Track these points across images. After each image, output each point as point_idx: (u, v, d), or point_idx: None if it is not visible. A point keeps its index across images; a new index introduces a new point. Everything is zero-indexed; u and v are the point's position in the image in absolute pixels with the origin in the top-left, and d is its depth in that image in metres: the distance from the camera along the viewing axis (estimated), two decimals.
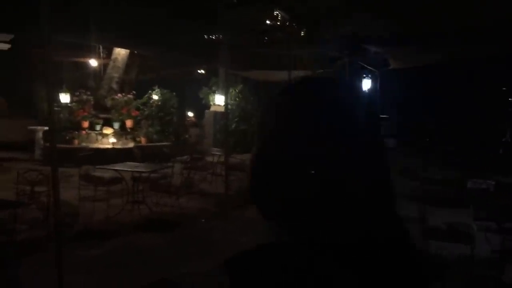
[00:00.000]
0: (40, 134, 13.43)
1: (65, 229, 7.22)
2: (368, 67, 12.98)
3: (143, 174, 7.59)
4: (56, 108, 14.09)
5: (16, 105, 15.59)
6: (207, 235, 7.12)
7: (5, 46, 11.85)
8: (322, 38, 10.61)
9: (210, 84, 16.98)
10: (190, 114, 19.65)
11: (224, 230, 7.03)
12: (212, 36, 11.20)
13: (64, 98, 14.05)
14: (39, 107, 15.74)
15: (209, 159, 11.24)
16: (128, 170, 7.60)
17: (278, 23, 10.15)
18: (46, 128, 13.53)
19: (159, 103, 14.50)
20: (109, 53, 15.79)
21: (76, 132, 13.28)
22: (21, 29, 11.68)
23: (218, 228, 7.35)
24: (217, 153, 11.21)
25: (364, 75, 12.84)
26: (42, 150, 13.22)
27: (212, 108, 16.49)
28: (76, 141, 13.11)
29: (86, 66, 17.81)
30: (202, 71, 20.76)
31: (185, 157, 10.84)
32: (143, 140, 13.71)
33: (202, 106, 17.32)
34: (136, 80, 18.47)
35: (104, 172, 7.98)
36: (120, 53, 15.13)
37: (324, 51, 12.18)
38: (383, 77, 13.59)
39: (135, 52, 15.97)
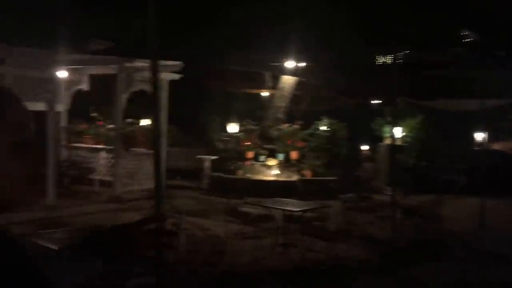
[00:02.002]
0: (207, 163, 13.31)
1: (208, 269, 6.44)
2: None
3: (295, 213, 6.49)
4: (224, 138, 13.94)
5: (189, 133, 15.91)
6: None
7: (176, 76, 11.97)
8: None
9: (384, 114, 15.46)
10: (365, 147, 18.25)
11: None
12: (387, 58, 9.88)
13: (232, 128, 13.83)
14: (210, 136, 15.87)
15: (380, 198, 9.74)
16: (278, 208, 6.58)
17: (467, 39, 8.41)
18: (214, 157, 13.41)
19: (327, 134, 13.42)
20: (277, 82, 15.33)
21: (240, 163, 12.84)
22: (189, 57, 11.69)
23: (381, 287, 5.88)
24: (389, 192, 9.67)
25: None
26: (209, 179, 13.05)
27: (387, 141, 14.94)
28: (239, 172, 12.66)
29: (256, 96, 17.72)
30: (378, 101, 19.31)
31: (349, 195, 9.51)
32: (307, 173, 12.72)
33: (376, 139, 15.84)
34: (307, 111, 17.80)
35: (254, 208, 7.08)
36: (288, 82, 14.51)
37: None
38: None
39: (304, 80, 15.27)
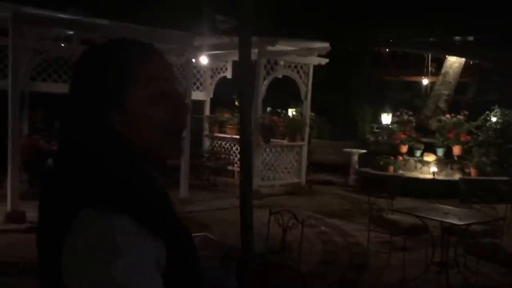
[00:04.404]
0: (355, 158, 12.13)
1: None
2: None
3: (458, 227, 5.12)
4: (376, 130, 12.67)
5: (337, 124, 14.84)
6: None
7: (323, 61, 10.97)
8: None
9: None
10: None
11: None
12: None
13: (385, 118, 12.46)
14: (360, 127, 14.63)
15: None
16: (435, 219, 5.25)
17: None
18: (362, 151, 12.19)
19: (498, 126, 11.34)
20: (439, 67, 13.50)
21: (392, 158, 11.43)
22: (336, 36, 10.59)
23: None
24: None
25: None
26: (356, 175, 11.88)
27: None
28: (391, 168, 11.27)
29: (413, 85, 16.00)
30: None
31: None
32: (472, 172, 10.87)
33: None
34: (474, 100, 15.58)
35: (404, 215, 5.82)
36: (452, 66, 12.64)
37: None
38: None
39: (472, 64, 13.25)
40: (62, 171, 0.96)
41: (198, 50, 9.62)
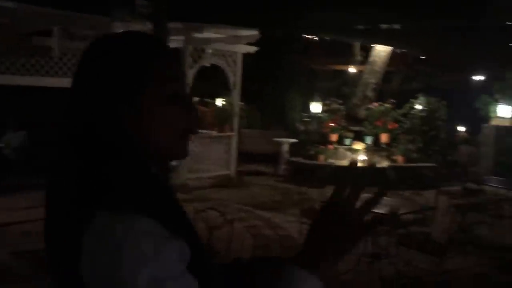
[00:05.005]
0: (286, 147, 11.99)
1: None
2: None
3: (387, 217, 5.02)
4: (306, 119, 12.58)
5: (268, 114, 14.69)
6: None
7: (252, 49, 10.72)
8: None
9: (493, 91, 13.32)
10: (461, 128, 16.32)
11: None
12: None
13: (315, 107, 12.39)
14: (290, 116, 14.54)
15: (489, 190, 7.98)
16: None
17: None
18: (293, 140, 12.09)
19: (424, 114, 11.59)
20: (367, 56, 13.62)
21: (323, 147, 11.39)
22: (265, 25, 10.36)
23: None
24: (498, 185, 7.92)
25: None
26: (286, 165, 11.75)
27: (494, 122, 12.85)
28: (321, 157, 11.23)
29: (342, 73, 16.11)
30: (481, 77, 16.99)
31: (455, 187, 7.82)
32: (399, 159, 11.04)
33: (478, 119, 13.78)
34: (399, 89, 15.93)
35: None
36: (380, 55, 12.76)
37: None
38: None
39: (398, 53, 13.47)
40: (72, 169, 0.91)
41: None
